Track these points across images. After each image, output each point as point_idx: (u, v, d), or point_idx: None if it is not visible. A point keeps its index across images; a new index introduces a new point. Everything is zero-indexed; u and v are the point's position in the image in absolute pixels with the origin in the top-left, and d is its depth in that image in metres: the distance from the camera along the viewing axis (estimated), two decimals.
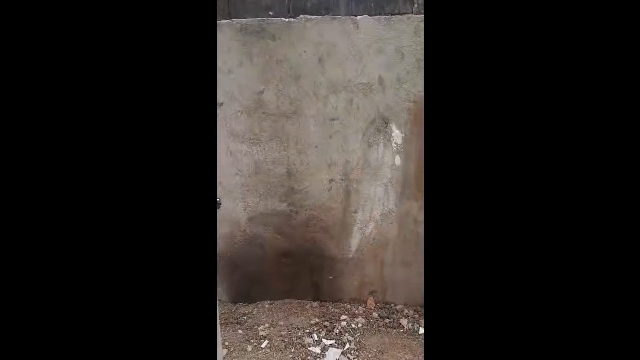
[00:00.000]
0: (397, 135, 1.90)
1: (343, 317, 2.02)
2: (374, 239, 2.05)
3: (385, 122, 1.89)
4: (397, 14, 1.80)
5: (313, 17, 1.80)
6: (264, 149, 1.97)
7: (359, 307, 2.11)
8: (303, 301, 2.16)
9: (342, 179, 1.98)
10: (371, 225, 2.03)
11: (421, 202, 1.98)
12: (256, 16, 1.85)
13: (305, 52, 1.83)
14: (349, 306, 2.12)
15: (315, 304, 2.14)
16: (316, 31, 1.81)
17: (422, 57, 1.81)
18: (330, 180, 1.98)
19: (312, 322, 1.98)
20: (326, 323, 1.96)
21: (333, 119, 1.91)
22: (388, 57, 1.82)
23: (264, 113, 1.92)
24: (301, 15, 1.81)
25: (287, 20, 1.82)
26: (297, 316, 2.05)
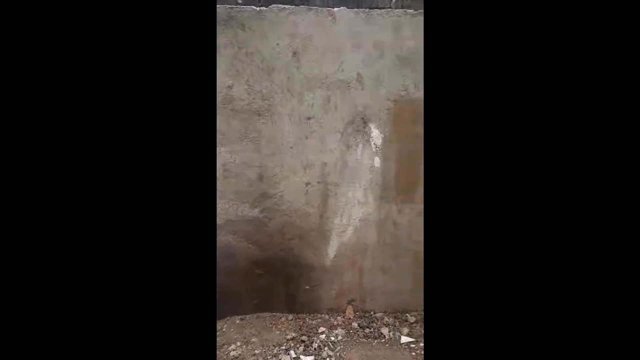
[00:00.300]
0: (376, 136, 1.81)
1: (321, 329, 1.90)
2: (352, 245, 1.94)
3: (365, 122, 1.79)
4: (376, 8, 1.71)
5: (287, 6, 1.66)
6: (233, 149, 1.79)
7: (338, 317, 2.00)
8: (277, 314, 2.01)
9: (319, 182, 1.85)
10: (350, 230, 1.92)
11: (401, 205, 1.91)
12: (224, 3, 1.67)
13: (278, 44, 1.69)
14: (327, 317, 2.00)
15: (290, 316, 1.99)
16: (290, 22, 1.66)
17: (403, 55, 1.74)
18: (307, 184, 1.85)
19: (289, 337, 1.83)
20: (304, 337, 1.82)
21: (309, 118, 1.77)
22: (367, 54, 1.72)
23: (232, 110, 1.74)
24: (273, 5, 1.66)
25: (257, 9, 1.66)
26: (272, 331, 1.89)
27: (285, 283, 1.98)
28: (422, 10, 1.67)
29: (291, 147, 1.80)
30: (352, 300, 2.03)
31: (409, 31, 1.71)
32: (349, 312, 2.02)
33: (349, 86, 1.75)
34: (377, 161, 1.84)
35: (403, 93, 1.78)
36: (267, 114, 1.76)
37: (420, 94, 1.79)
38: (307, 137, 1.79)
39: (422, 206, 1.92)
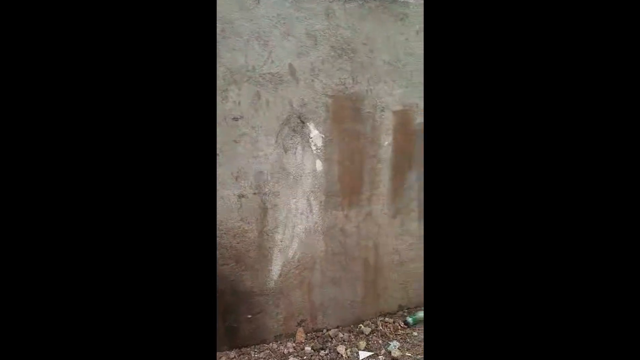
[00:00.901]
0: (316, 136, 1.61)
1: None
2: (298, 261, 1.72)
3: (302, 120, 1.58)
4: None
5: None
6: None
7: (288, 343, 1.76)
8: (217, 354, 1.67)
9: (254, 193, 1.58)
10: (294, 244, 1.69)
11: (347, 211, 1.75)
12: None
13: None
14: (275, 346, 1.74)
15: (233, 354, 1.68)
16: None
17: (338, 45, 1.57)
18: (240, 196, 1.56)
19: None
20: None
21: (236, 118, 1.49)
22: (299, 42, 1.51)
23: None
24: None
25: None
26: None
27: (222, 316, 1.66)
28: None
29: (217, 155, 1.49)
30: (302, 321, 1.81)
31: (343, 19, 1.55)
32: (300, 335, 1.79)
33: (282, 80, 1.51)
34: (319, 164, 1.65)
35: (341, 87, 1.62)
36: None
37: (359, 87, 1.65)
38: (236, 142, 1.50)
39: (369, 208, 1.79)
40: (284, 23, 1.47)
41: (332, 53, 1.57)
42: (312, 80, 1.56)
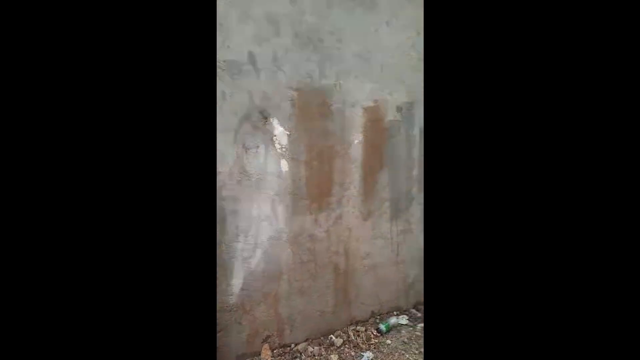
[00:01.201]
0: (280, 133, 1.46)
1: None
2: (263, 271, 1.55)
3: (265, 116, 1.41)
4: None
5: None
6: None
7: None
8: None
9: None
10: (258, 253, 1.52)
11: (316, 215, 1.61)
12: None
13: None
14: None
15: None
16: None
17: (303, 33, 1.42)
18: None
19: None
20: None
21: None
22: (258, 27, 1.33)
23: None
24: None
25: None
26: None
27: None
28: None
29: None
30: (269, 337, 1.65)
31: (308, 4, 1.40)
32: (265, 353, 1.63)
33: (240, 70, 1.33)
34: (284, 165, 1.49)
35: (307, 80, 1.47)
36: None
37: (326, 81, 1.51)
38: None
39: (339, 211, 1.67)
40: (240, 4, 1.29)
41: (297, 41, 1.42)
42: (275, 71, 1.40)
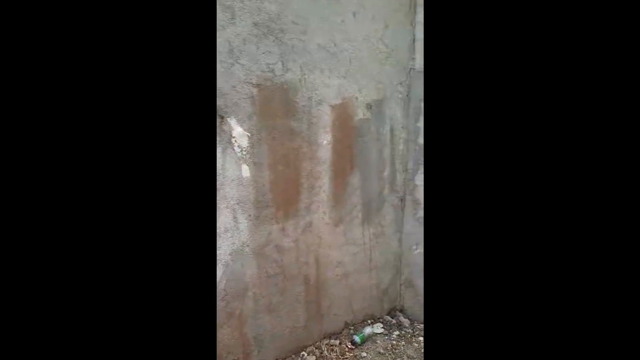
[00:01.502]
0: (240, 134, 1.29)
1: None
2: (225, 290, 1.38)
3: (221, 115, 1.24)
4: None
5: None
6: None
7: None
8: None
9: None
10: (219, 271, 1.35)
11: (283, 223, 1.47)
12: None
13: None
14: None
15: None
16: None
17: (262, 22, 1.27)
18: None
19: None
20: None
21: None
22: None
23: None
24: None
25: None
26: None
27: None
28: None
29: None
30: None
31: None
32: None
33: None
34: (245, 170, 1.33)
35: (269, 74, 1.32)
36: None
37: (290, 75, 1.37)
38: None
39: (309, 218, 1.54)
40: None
41: (256, 31, 1.27)
42: (232, 65, 1.24)
